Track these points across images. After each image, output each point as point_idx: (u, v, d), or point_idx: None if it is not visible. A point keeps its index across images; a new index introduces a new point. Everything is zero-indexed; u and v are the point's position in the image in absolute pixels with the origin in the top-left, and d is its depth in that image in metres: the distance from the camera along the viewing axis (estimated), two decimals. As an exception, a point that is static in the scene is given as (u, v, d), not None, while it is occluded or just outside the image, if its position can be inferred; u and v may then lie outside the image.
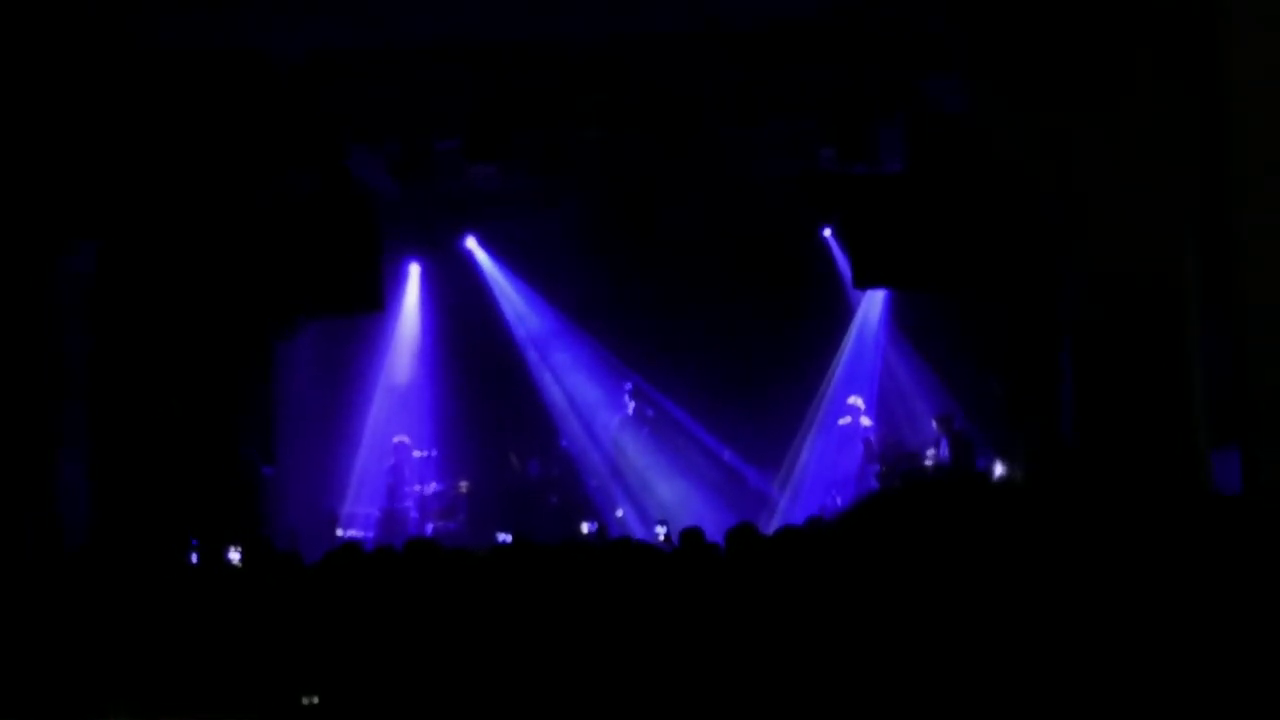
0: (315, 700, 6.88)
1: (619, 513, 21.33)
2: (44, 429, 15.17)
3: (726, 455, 21.61)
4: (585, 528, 19.86)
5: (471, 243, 21.95)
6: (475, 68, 16.47)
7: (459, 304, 21.82)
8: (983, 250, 17.02)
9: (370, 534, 19.81)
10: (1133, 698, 1.21)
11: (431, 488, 21.06)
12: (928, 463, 19.30)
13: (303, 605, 9.18)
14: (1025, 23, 14.32)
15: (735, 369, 20.87)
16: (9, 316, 14.98)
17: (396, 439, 21.32)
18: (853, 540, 1.37)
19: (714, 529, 13.77)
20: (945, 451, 19.35)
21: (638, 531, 19.15)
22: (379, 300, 18.80)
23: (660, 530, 18.67)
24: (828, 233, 21.19)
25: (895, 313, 21.20)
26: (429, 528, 19.98)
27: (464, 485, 21.15)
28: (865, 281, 19.20)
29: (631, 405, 21.72)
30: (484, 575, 9.53)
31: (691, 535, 12.15)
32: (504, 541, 15.45)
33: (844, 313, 21.58)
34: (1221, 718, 1.21)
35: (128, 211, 16.19)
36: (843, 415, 21.12)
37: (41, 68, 14.79)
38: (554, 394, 22.20)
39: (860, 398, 21.10)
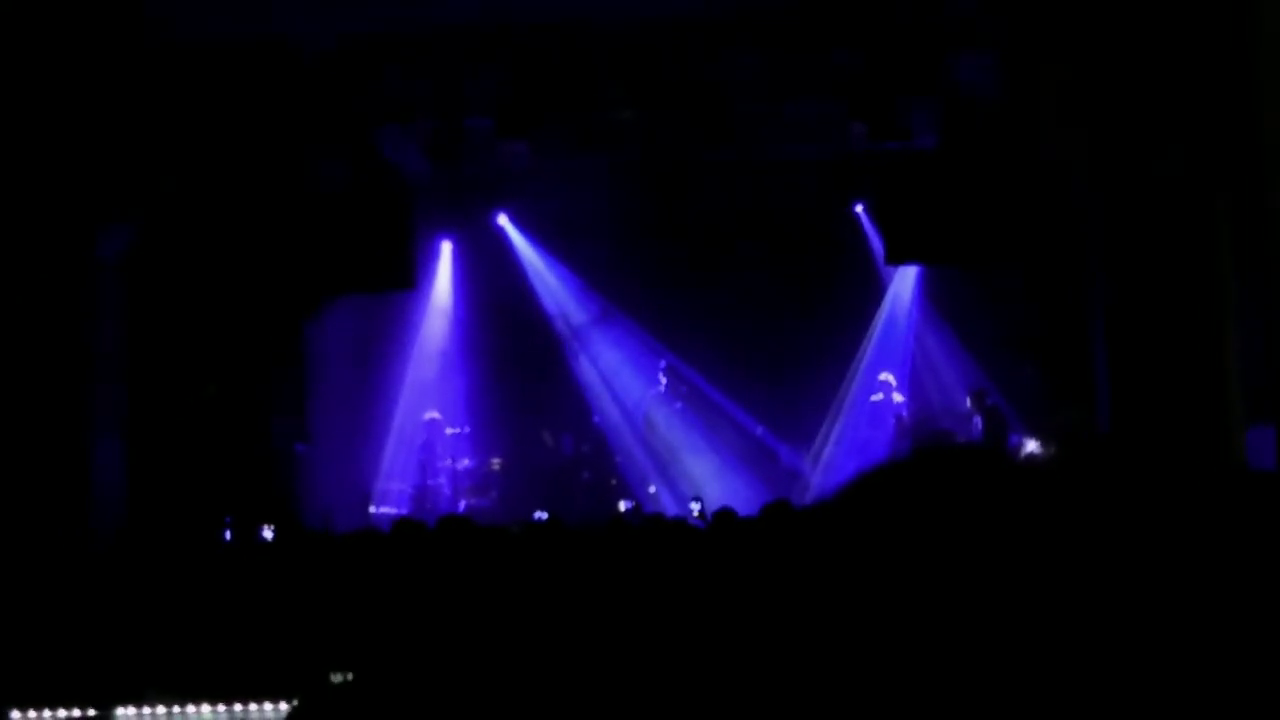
0: (345, 677, 6.91)
1: (651, 489, 21.34)
2: (80, 412, 15.24)
3: (759, 431, 21.60)
4: (622, 506, 19.92)
5: (503, 220, 21.95)
6: (506, 49, 16.46)
7: (491, 282, 21.81)
8: (1015, 227, 16.98)
9: (403, 510, 19.86)
10: (1152, 685, 1.22)
11: (464, 464, 21.09)
12: (959, 439, 19.24)
13: (335, 583, 9.22)
14: (1057, 1, 14.27)
15: (767, 346, 20.84)
16: (45, 302, 15.05)
17: (428, 415, 21.35)
18: (854, 514, 1.38)
19: (746, 505, 13.78)
20: (978, 428, 19.31)
21: (670, 507, 19.15)
22: (411, 278, 18.82)
23: (695, 506, 18.71)
24: (859, 209, 21.13)
25: (927, 290, 21.14)
26: (461, 504, 20.01)
27: (496, 462, 21.19)
28: (897, 258, 19.16)
29: (664, 382, 21.72)
30: (516, 553, 9.55)
31: (724, 515, 12.17)
32: (540, 520, 15.49)
33: (876, 290, 21.53)
34: (1252, 699, 1.21)
35: (162, 196, 16.24)
36: (875, 392, 21.08)
37: (75, 56, 14.83)
38: (586, 371, 22.21)
39: (891, 374, 21.07)
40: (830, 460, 21.34)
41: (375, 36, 16.20)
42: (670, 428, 21.77)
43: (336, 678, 6.98)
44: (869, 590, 1.29)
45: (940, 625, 1.24)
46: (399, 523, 12.75)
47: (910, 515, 1.31)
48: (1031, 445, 17.12)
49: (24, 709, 6.85)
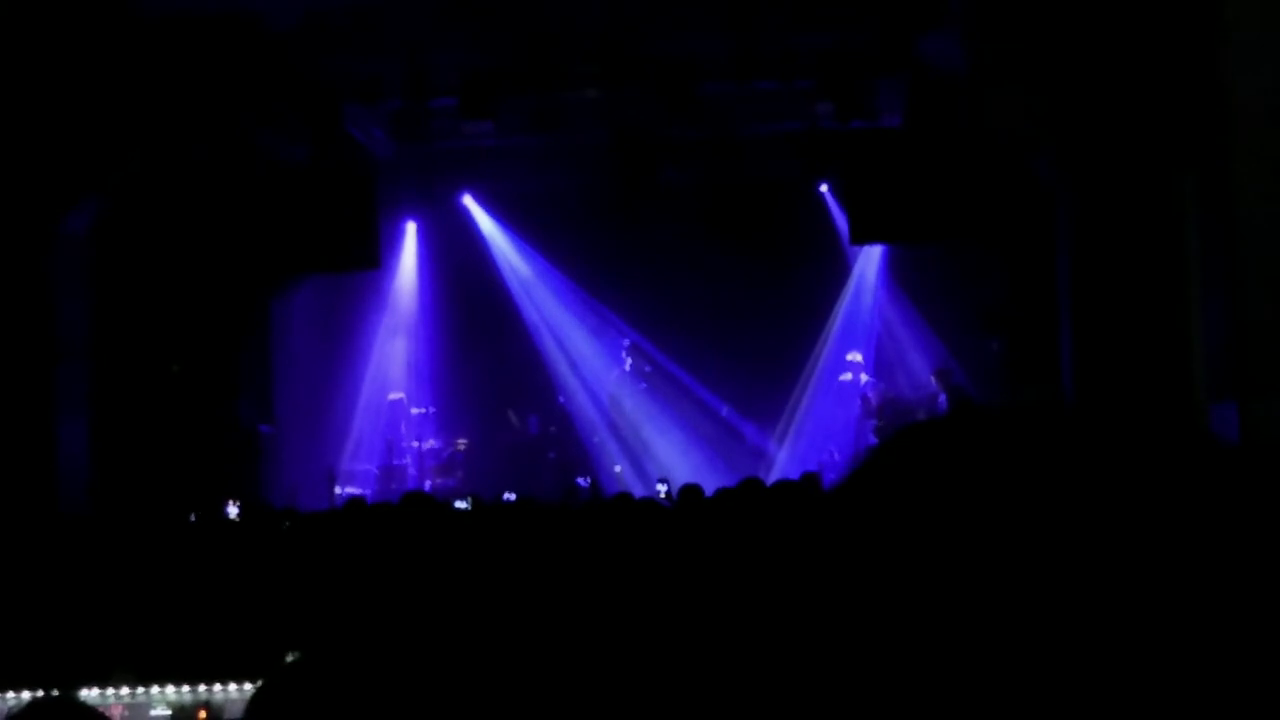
0: (301, 656, 6.89)
1: (617, 469, 21.37)
2: (43, 391, 15.17)
3: (724, 411, 21.65)
4: (580, 482, 19.97)
5: (468, 200, 21.94)
6: (470, 28, 16.40)
7: (456, 261, 21.80)
8: (980, 205, 17.02)
9: (369, 491, 19.85)
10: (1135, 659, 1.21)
11: (429, 444, 21.10)
12: (923, 418, 19.27)
13: (300, 561, 9.19)
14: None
15: (733, 325, 20.86)
16: (9, 278, 14.97)
17: (394, 396, 21.37)
18: (860, 493, 1.36)
19: (712, 484, 13.79)
20: (943, 406, 19.36)
21: (636, 487, 19.17)
22: (376, 258, 18.77)
23: (661, 488, 18.72)
24: (825, 189, 21.16)
25: (893, 269, 21.21)
26: (427, 484, 20.02)
27: (462, 442, 21.20)
28: (862, 237, 19.17)
29: (629, 362, 21.74)
30: (480, 530, 9.54)
31: (690, 492, 12.16)
32: (508, 500, 15.49)
33: (841, 269, 21.59)
34: (1221, 667, 1.21)
35: (126, 174, 16.16)
36: (842, 371, 21.14)
37: (41, 30, 14.75)
38: (551, 351, 22.21)
39: (859, 353, 21.12)
40: (796, 439, 21.39)
41: (340, 14, 16.14)
42: (636, 408, 21.79)
43: (293, 657, 6.95)
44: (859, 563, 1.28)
45: (948, 606, 1.23)
46: (350, 503, 12.75)
47: (919, 492, 1.30)
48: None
49: (-13, 690, 6.82)
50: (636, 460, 21.51)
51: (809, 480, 12.26)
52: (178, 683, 7.06)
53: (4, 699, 6.78)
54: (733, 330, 20.86)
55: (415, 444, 20.99)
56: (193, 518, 15.43)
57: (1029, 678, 1.17)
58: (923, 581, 1.22)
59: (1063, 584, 1.19)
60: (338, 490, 19.08)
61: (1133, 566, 1.19)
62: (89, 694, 6.89)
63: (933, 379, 19.89)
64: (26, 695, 6.51)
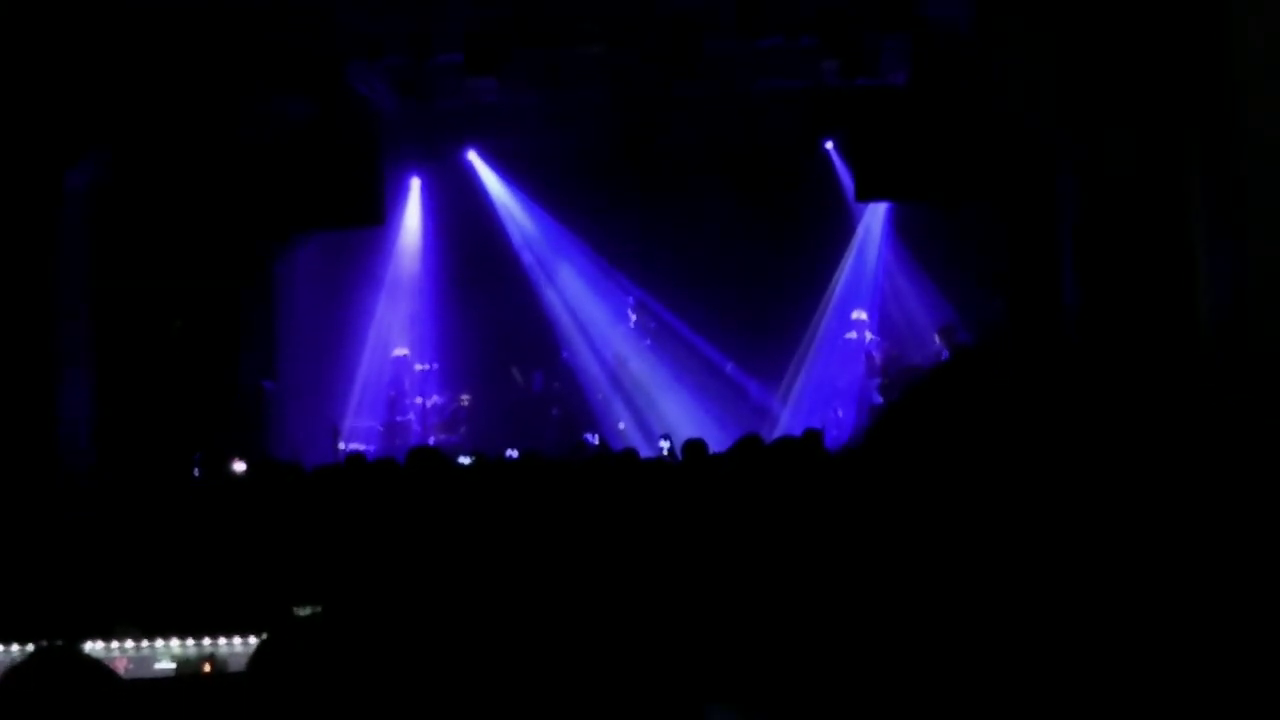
0: (312, 610, 6.91)
1: (621, 425, 21.38)
2: (48, 348, 15.18)
3: (729, 368, 21.64)
4: (588, 438, 19.99)
5: (473, 156, 21.89)
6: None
7: (460, 218, 21.77)
8: (985, 163, 17.00)
9: (372, 447, 19.88)
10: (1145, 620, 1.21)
11: (433, 401, 21.11)
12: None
13: (305, 515, 9.21)
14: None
15: (737, 282, 20.84)
16: (12, 234, 14.96)
17: (397, 352, 21.37)
18: (877, 453, 1.36)
19: (716, 441, 13.80)
20: (947, 365, 19.32)
21: (639, 443, 19.19)
22: (380, 214, 18.75)
23: (664, 444, 18.74)
24: (829, 146, 21.12)
25: (897, 227, 21.17)
26: (431, 440, 20.02)
27: (465, 398, 21.20)
28: (867, 195, 19.14)
29: (633, 318, 21.73)
30: (485, 486, 9.55)
31: (694, 447, 12.17)
32: (511, 457, 15.50)
33: (846, 226, 21.54)
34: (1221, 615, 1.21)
35: (130, 131, 16.14)
36: (847, 329, 21.13)
37: None
38: (556, 307, 22.20)
39: (864, 311, 21.10)
40: (799, 396, 21.39)
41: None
42: (641, 365, 21.79)
43: (303, 611, 6.97)
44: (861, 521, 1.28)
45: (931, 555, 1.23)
46: (350, 459, 12.76)
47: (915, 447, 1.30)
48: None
49: (-9, 642, 6.84)
50: (640, 417, 21.52)
51: (811, 437, 12.25)
52: (182, 636, 7.08)
53: (9, 651, 6.80)
54: (737, 287, 20.85)
55: (419, 400, 20.99)
56: (196, 473, 15.46)
57: (1040, 632, 1.17)
58: (942, 540, 1.22)
59: (1073, 544, 1.19)
60: (341, 446, 19.10)
61: (1141, 513, 1.19)
62: (93, 646, 6.92)
63: (936, 337, 19.86)
64: (30, 647, 6.53)
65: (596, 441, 19.98)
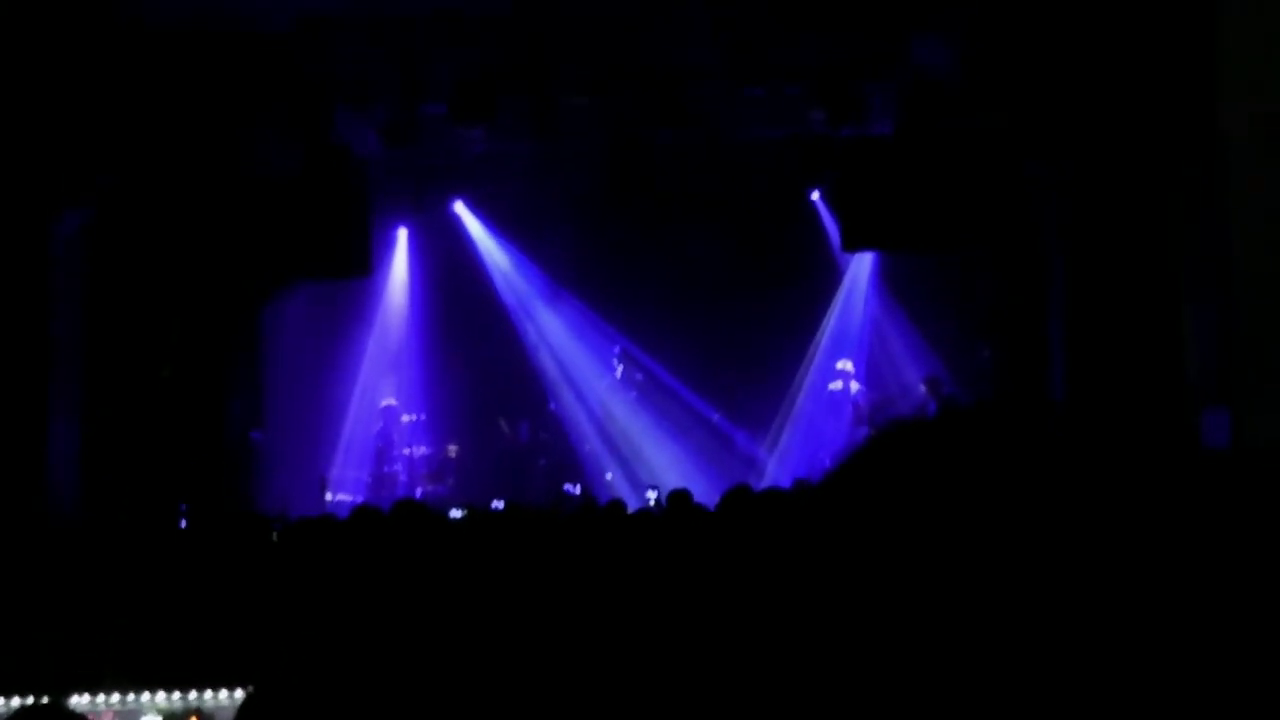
0: (297, 665, 6.88)
1: (608, 476, 21.37)
2: (36, 397, 15.15)
3: (715, 418, 21.64)
4: (569, 489, 19.99)
5: (460, 207, 21.92)
6: (461, 34, 16.40)
7: (447, 268, 21.79)
8: (972, 213, 17.02)
9: (359, 497, 19.83)
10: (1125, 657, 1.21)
11: (420, 451, 21.08)
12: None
13: (290, 568, 9.18)
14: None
15: (724, 332, 20.87)
16: (1, 283, 14.96)
17: (385, 403, 21.34)
18: (844, 493, 1.36)
19: (702, 491, 13.78)
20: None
21: (627, 494, 19.16)
22: (367, 265, 18.75)
23: (651, 495, 18.72)
24: (816, 196, 21.16)
25: (884, 276, 21.20)
26: (418, 491, 20.01)
27: (453, 449, 21.18)
28: (854, 244, 19.17)
29: (620, 369, 21.74)
30: (470, 538, 9.53)
31: (679, 497, 12.14)
32: (496, 508, 15.47)
33: (833, 276, 21.58)
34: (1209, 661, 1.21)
35: (119, 180, 16.15)
36: (833, 379, 21.13)
37: (31, 37, 14.73)
38: (543, 358, 22.21)
39: (850, 361, 21.11)
40: (786, 447, 21.39)
41: (331, 19, 16.13)
42: (627, 415, 21.79)
43: (288, 665, 6.94)
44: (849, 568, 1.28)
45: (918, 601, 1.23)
46: (357, 510, 12.71)
47: (890, 492, 1.30)
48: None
49: (-23, 696, 6.80)
50: (628, 467, 21.51)
51: (800, 488, 12.22)
52: (169, 688, 7.05)
53: (-6, 705, 6.76)
54: (724, 337, 20.87)
55: (406, 450, 20.98)
56: (183, 524, 15.42)
57: (1013, 671, 1.18)
58: (907, 578, 1.22)
59: (1045, 583, 1.19)
60: (329, 496, 19.06)
61: (1114, 565, 1.19)
62: (79, 700, 6.89)
63: (922, 387, 19.87)
64: (16, 702, 6.49)
65: (578, 491, 19.98)
